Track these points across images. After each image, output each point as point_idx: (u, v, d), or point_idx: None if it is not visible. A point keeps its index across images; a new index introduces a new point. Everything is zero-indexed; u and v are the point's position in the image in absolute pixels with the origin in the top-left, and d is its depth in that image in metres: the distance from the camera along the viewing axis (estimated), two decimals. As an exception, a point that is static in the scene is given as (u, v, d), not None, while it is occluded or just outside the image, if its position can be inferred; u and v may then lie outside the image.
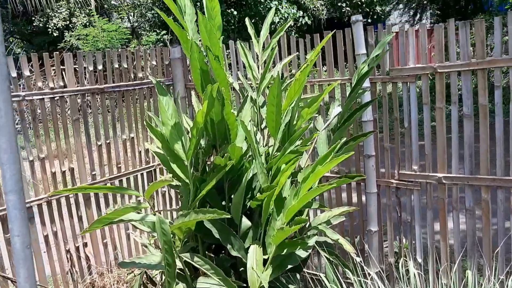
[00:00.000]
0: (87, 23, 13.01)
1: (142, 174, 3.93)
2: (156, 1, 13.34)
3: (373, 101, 2.90)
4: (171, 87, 4.11)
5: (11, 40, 15.12)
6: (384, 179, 3.18)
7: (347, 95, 2.83)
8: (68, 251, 3.48)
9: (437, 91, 2.88)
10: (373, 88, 3.11)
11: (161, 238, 2.04)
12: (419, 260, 3.08)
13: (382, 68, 3.08)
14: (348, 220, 3.39)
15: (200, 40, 2.43)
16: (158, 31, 12.92)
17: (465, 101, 2.78)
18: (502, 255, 2.77)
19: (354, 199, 3.44)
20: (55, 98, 3.35)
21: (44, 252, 3.31)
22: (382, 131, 3.23)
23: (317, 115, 3.34)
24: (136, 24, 15.63)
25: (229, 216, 2.01)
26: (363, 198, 3.27)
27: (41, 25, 13.52)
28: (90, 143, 3.60)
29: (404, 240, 3.23)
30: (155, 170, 4.01)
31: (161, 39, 12.60)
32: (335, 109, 2.92)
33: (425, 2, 14.40)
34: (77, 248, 3.54)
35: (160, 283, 2.68)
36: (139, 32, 14.94)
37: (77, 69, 3.56)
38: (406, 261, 2.68)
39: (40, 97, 3.24)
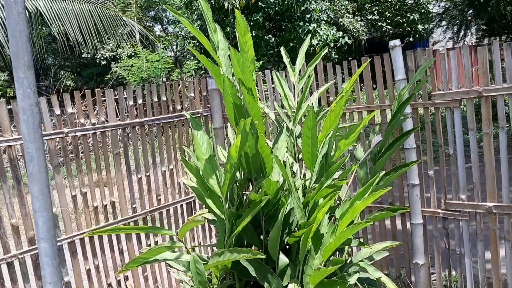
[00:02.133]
0: (132, 54, 13.49)
1: (181, 206, 3.94)
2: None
3: (415, 129, 2.79)
4: (209, 118, 4.14)
5: (62, 73, 15.88)
6: (429, 209, 3.03)
7: (388, 122, 2.73)
8: (109, 285, 3.50)
9: (483, 116, 2.73)
10: (415, 114, 3.00)
11: (195, 278, 2.01)
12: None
13: (423, 92, 2.97)
14: (393, 250, 3.24)
15: (233, 75, 2.43)
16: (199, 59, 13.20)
17: (515, 126, 2.62)
18: None
19: (399, 226, 3.29)
20: (97, 133, 3.43)
21: None
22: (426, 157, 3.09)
23: (356, 143, 3.26)
24: (179, 53, 16.06)
25: (263, 256, 1.95)
26: (408, 225, 3.12)
27: (89, 57, 14.14)
28: (131, 176, 3.65)
29: (453, 273, 3.04)
30: (194, 201, 4.02)
31: (202, 67, 12.86)
32: (375, 138, 2.82)
33: (469, 18, 14.00)
34: (119, 282, 3.57)
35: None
36: (183, 61, 15.34)
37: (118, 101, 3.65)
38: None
39: (83, 133, 3.33)
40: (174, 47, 16.05)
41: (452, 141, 2.86)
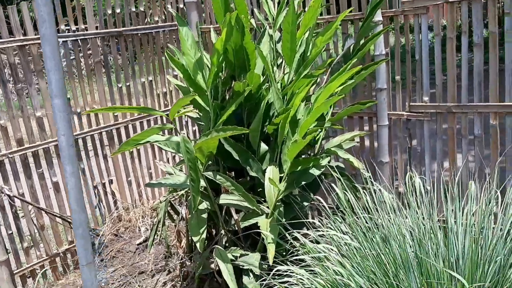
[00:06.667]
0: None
1: (161, 118, 4.09)
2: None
3: (384, 30, 2.97)
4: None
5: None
6: (395, 112, 3.29)
7: (360, 27, 2.91)
8: (95, 187, 3.69)
9: (448, 21, 2.94)
10: (386, 22, 3.18)
11: (185, 156, 2.20)
12: (428, 188, 3.21)
13: (394, 1, 3.13)
14: (362, 157, 3.52)
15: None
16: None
17: (475, 30, 2.84)
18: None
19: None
20: (77, 40, 3.48)
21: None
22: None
23: (330, 49, 3.44)
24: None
25: (247, 131, 2.15)
26: (375, 128, 3.38)
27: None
28: (112, 86, 3.75)
29: (414, 170, 3.36)
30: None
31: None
32: (348, 41, 3.00)
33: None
34: (103, 185, 3.76)
35: (185, 204, 2.87)
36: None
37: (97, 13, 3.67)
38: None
39: (63, 39, 3.37)
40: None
41: (418, 47, 3.08)
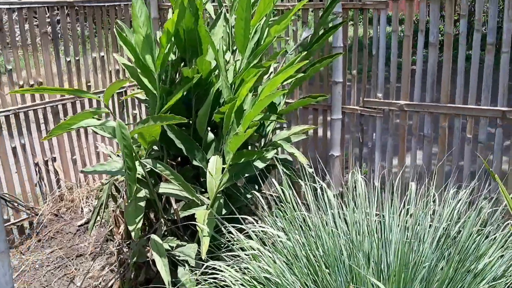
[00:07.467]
0: None
1: (112, 96, 3.93)
2: None
3: (343, 23, 2.91)
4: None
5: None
6: (349, 106, 3.26)
7: (320, 17, 2.84)
8: (36, 164, 3.53)
9: (406, 18, 2.91)
10: (345, 15, 3.12)
11: (121, 143, 2.09)
12: (376, 184, 3.22)
13: (355, -6, 3.08)
14: (313, 149, 3.49)
15: None
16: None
17: (432, 29, 2.82)
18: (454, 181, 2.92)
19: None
20: (23, 10, 3.27)
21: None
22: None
23: (289, 38, 3.37)
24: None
25: (186, 121, 2.05)
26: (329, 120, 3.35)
27: None
28: (59, 59, 3.56)
29: (364, 165, 3.37)
30: (125, 91, 4.01)
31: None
32: (306, 31, 2.93)
33: None
34: (46, 162, 3.59)
35: (123, 190, 2.76)
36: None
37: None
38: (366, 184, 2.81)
39: (7, 6, 3.16)
40: None
41: (376, 42, 3.04)
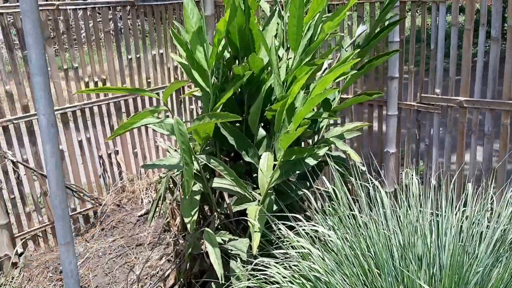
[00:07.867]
0: None
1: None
2: None
3: (401, 20, 2.84)
4: (201, 5, 4.12)
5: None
6: (406, 102, 3.19)
7: (379, 13, 2.79)
8: (101, 157, 3.73)
9: (466, 12, 2.79)
10: (403, 7, 3.04)
11: (179, 139, 2.18)
12: (433, 181, 3.14)
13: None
14: (367, 146, 3.44)
15: None
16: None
17: (494, 23, 2.70)
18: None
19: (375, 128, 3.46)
20: (87, 9, 3.45)
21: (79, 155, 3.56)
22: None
23: (344, 34, 3.33)
24: None
25: (240, 119, 2.10)
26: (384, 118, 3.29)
27: None
28: (121, 56, 3.73)
29: (421, 162, 3.28)
30: (183, 87, 4.14)
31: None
32: (361, 27, 2.89)
33: None
34: (109, 155, 3.79)
35: (180, 184, 2.86)
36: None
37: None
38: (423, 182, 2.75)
39: (73, 7, 3.34)
40: None
41: (435, 36, 2.94)
